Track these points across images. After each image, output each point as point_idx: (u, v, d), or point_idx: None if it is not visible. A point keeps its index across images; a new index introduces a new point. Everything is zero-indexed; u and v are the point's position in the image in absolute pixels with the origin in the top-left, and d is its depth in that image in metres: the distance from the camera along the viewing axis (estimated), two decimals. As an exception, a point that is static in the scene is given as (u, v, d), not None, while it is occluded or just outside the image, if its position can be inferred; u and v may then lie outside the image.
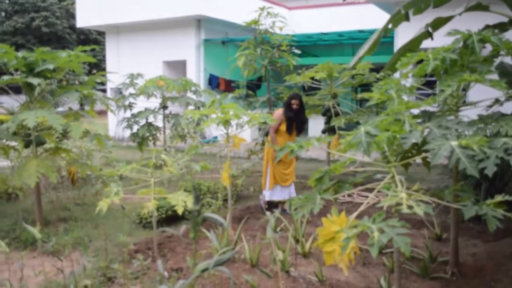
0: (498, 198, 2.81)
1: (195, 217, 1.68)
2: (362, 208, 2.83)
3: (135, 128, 9.52)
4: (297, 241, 4.83)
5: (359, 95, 5.22)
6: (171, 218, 5.85)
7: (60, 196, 7.11)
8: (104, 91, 19.71)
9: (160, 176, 4.58)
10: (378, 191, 2.89)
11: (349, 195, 6.60)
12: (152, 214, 4.68)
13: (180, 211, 4.12)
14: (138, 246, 4.96)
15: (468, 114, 3.91)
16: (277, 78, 10.03)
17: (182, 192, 4.32)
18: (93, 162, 7.54)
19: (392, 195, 2.67)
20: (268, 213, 4.24)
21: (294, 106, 6.08)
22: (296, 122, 6.15)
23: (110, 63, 16.86)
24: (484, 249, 4.75)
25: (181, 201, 4.16)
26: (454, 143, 2.60)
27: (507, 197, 2.81)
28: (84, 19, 16.71)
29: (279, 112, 6.23)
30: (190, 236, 1.80)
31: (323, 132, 7.27)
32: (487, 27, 4.66)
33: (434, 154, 2.56)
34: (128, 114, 9.57)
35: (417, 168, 8.08)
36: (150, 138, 9.43)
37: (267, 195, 6.26)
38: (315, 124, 13.74)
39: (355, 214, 2.81)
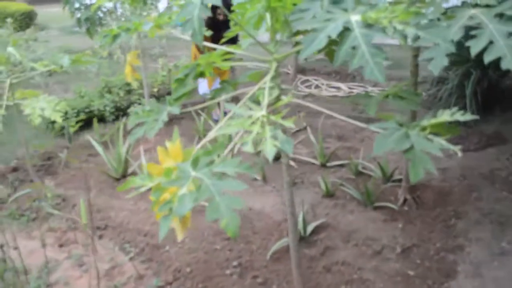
0: (444, 115, 1.61)
1: None
2: (212, 134, 1.68)
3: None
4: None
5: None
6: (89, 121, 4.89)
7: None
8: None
9: (22, 75, 3.40)
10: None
11: (317, 86, 5.31)
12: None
13: (35, 122, 3.02)
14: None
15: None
16: None
17: (45, 96, 3.18)
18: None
19: (247, 116, 1.51)
20: None
21: (221, 17, 4.46)
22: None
23: None
24: (459, 163, 3.62)
25: (38, 109, 3.04)
26: (355, 17, 1.36)
27: (458, 114, 1.61)
28: None
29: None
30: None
31: None
32: None
33: (310, 40, 1.33)
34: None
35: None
36: (97, 22, 8.10)
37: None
38: None
39: (204, 140, 1.70)
